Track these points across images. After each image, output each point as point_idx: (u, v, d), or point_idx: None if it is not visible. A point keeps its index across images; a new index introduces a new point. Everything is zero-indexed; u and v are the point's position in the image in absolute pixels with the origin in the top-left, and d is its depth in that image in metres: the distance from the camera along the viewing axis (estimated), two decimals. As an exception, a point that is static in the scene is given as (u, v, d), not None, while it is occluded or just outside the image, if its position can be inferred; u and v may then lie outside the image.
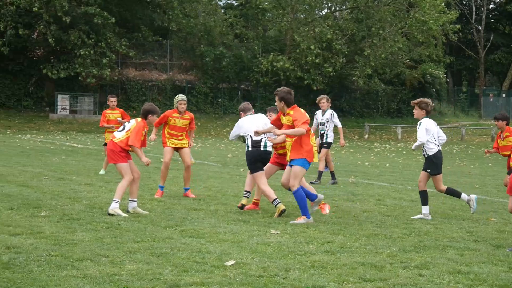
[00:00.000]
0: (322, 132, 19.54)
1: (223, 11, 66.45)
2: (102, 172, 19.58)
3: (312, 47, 54.94)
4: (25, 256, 8.76)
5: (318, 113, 19.65)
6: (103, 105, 46.20)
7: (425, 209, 13.13)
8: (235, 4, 68.67)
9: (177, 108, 15.50)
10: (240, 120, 13.91)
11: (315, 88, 55.80)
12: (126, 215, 12.27)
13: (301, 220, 12.12)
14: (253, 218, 12.39)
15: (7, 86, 54.07)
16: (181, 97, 15.63)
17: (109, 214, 12.18)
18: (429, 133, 12.98)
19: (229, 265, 8.62)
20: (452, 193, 13.42)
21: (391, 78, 62.70)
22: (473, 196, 13.32)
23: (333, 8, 62.52)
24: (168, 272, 8.18)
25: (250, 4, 62.14)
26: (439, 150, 13.14)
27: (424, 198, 13.15)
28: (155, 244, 9.78)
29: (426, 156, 13.12)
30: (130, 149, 12.68)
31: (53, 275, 7.93)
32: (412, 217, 13.14)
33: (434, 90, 66.74)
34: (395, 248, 9.99)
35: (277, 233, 10.91)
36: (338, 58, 56.06)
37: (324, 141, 19.50)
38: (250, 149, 13.34)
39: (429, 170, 13.08)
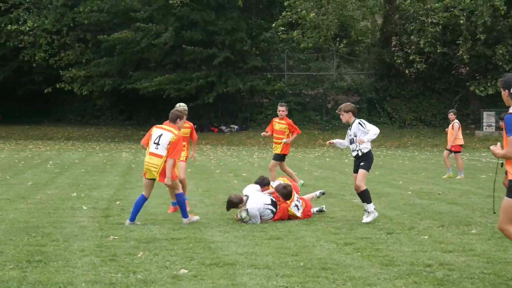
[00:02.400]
0: None
1: None
2: None
3: None
4: (458, 273, 8.89)
5: None
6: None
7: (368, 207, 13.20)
8: None
9: None
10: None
11: None
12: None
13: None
14: None
15: (433, 105, 55.38)
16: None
17: None
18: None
19: None
20: (365, 197, 13.22)
21: None
22: (376, 214, 13.23)
23: None
24: None
25: None
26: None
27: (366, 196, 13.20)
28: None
29: (361, 153, 13.18)
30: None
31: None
32: None
33: None
34: None
35: None
36: None
37: None
38: None
39: (362, 164, 13.18)
